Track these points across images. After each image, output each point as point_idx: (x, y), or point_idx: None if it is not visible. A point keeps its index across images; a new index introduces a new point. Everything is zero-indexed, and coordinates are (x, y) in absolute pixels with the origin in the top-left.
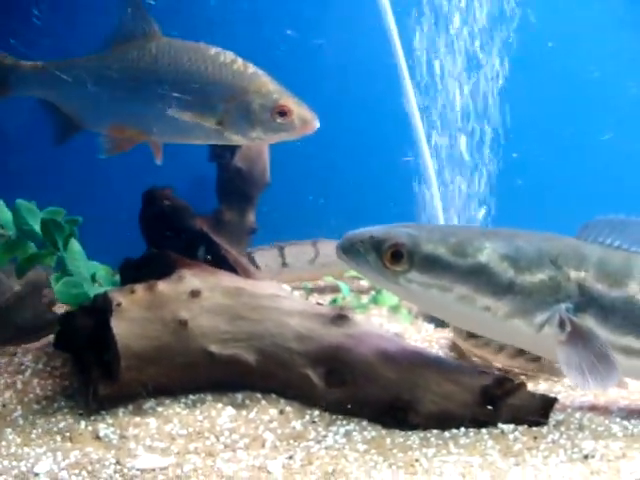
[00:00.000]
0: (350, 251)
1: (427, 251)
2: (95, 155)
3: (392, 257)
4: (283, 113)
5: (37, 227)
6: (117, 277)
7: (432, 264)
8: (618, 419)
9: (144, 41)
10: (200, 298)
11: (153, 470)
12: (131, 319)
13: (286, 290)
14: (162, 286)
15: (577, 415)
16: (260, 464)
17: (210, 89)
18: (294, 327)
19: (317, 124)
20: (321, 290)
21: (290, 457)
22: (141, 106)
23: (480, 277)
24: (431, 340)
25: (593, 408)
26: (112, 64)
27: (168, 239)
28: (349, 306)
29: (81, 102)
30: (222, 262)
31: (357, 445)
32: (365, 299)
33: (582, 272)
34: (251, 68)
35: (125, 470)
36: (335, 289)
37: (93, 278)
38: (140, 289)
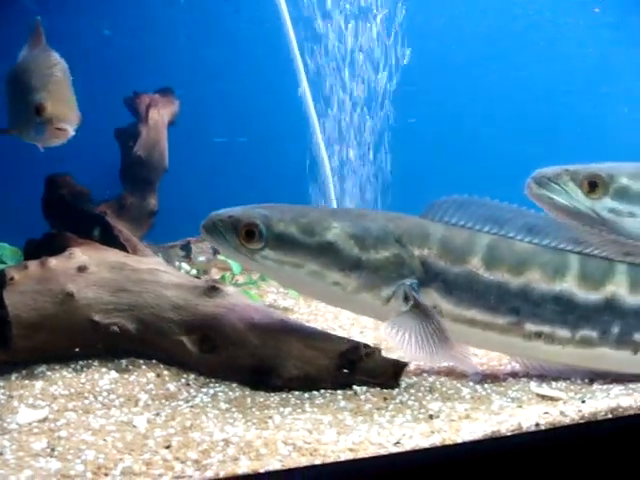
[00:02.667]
0: (212, 230)
1: (278, 230)
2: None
3: (247, 236)
4: (39, 111)
5: None
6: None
7: (283, 242)
8: (471, 383)
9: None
10: (87, 272)
11: (29, 424)
12: (23, 292)
13: (166, 265)
14: (53, 262)
15: (430, 379)
16: (128, 419)
17: (26, 91)
18: (171, 298)
19: (67, 127)
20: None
21: (157, 414)
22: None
23: (328, 254)
24: (317, 313)
25: (450, 373)
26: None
27: (68, 221)
28: (221, 280)
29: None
30: (114, 241)
31: (220, 404)
32: (256, 276)
33: (425, 250)
34: (57, 73)
35: (5, 424)
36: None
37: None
38: (33, 265)
